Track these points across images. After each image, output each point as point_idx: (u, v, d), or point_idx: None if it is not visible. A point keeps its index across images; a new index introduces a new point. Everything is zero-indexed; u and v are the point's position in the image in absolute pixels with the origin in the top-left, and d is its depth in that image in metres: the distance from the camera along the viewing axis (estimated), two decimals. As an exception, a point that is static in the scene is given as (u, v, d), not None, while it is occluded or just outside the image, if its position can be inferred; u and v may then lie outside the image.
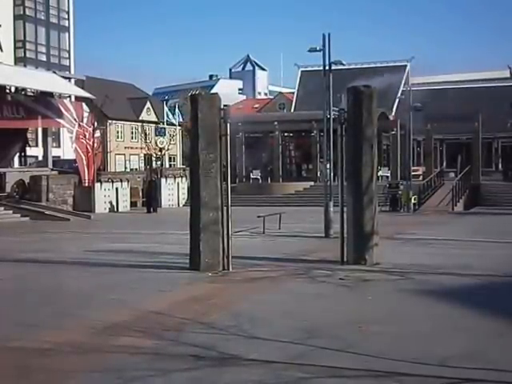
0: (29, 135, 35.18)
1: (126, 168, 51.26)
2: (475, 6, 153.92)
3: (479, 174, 35.47)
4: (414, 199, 28.17)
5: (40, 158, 36.17)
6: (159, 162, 38.71)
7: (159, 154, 38.09)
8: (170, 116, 44.14)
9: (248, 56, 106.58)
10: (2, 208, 25.34)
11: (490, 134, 40.83)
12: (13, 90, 29.58)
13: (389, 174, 36.20)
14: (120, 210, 29.38)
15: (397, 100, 42.99)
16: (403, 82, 47.57)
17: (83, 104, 31.23)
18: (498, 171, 41.90)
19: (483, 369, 5.88)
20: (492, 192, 32.63)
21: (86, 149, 29.42)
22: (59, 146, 46.26)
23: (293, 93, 55.66)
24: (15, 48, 51.51)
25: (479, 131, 36.06)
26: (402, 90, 44.13)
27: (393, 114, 43.67)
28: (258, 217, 18.61)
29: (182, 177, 33.61)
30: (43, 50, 54.10)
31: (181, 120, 44.85)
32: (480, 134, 36.26)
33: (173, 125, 44.20)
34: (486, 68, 58.35)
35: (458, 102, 42.04)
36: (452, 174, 37.00)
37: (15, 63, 47.27)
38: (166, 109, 44.55)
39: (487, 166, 41.51)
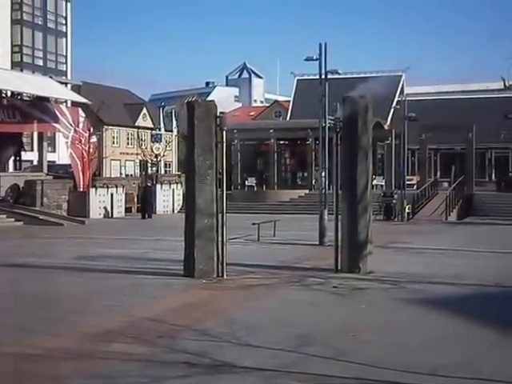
0: (24, 139, 35.15)
1: (121, 174, 51.21)
2: (469, 17, 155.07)
3: (473, 184, 35.61)
4: (408, 208, 28.26)
5: (35, 163, 36.10)
6: (155, 168, 38.70)
7: (155, 160, 38.10)
8: (166, 122, 44.20)
9: (244, 64, 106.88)
10: (-4, 212, 25.27)
11: (483, 145, 41.03)
12: (9, 94, 29.58)
13: (383, 183, 36.30)
14: (115, 215, 29.33)
15: (392, 109, 43.19)
16: (398, 92, 47.81)
17: (79, 109, 31.24)
18: (492, 181, 42.09)
19: (474, 378, 5.92)
20: (485, 202, 32.75)
21: (81, 154, 29.40)
22: (54, 151, 46.22)
23: (289, 101, 55.82)
24: (12, 52, 51.52)
25: (473, 141, 36.23)
26: (397, 100, 44.31)
27: (388, 123, 43.85)
28: (253, 224, 18.64)
29: (177, 183, 33.59)
30: (40, 54, 54.08)
31: (177, 126, 44.89)
32: (474, 145, 36.43)
33: (169, 131, 44.24)
34: (480, 79, 58.71)
35: (453, 113, 42.26)
36: (446, 184, 37.15)
37: (12, 67, 47.25)
38: (162, 115, 44.61)
39: (481, 176, 41.68)
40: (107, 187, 29.82)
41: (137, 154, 45.70)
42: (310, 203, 28.11)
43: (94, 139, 31.45)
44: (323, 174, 20.33)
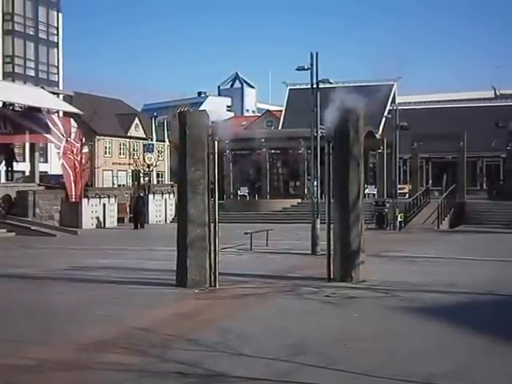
0: (16, 150, 35.02)
1: (113, 184, 51.08)
2: (462, 26, 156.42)
3: (464, 193, 35.76)
4: (401, 217, 28.33)
5: (27, 173, 35.97)
6: (147, 178, 38.67)
7: (147, 170, 38.09)
8: (158, 132, 44.22)
9: (237, 73, 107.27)
10: (-12, 223, 25.14)
11: (475, 153, 41.30)
12: (0, 104, 29.51)
13: (375, 192, 36.39)
14: (107, 225, 29.25)
15: (383, 119, 43.39)
16: (390, 101, 48.07)
17: (71, 119, 31.19)
18: (483, 190, 42.31)
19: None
20: (477, 210, 32.88)
21: (73, 164, 29.34)
22: (46, 161, 46.06)
23: (281, 110, 56.01)
24: (3, 63, 51.43)
25: (464, 150, 36.43)
26: (389, 109, 44.55)
27: (379, 132, 44.04)
28: (246, 233, 18.64)
29: (169, 193, 33.57)
30: (32, 65, 54.01)
31: (169, 136, 44.93)
32: (465, 153, 36.62)
33: (161, 141, 44.27)
34: (471, 88, 59.24)
35: (444, 122, 42.51)
36: (437, 193, 37.29)
37: (3, 78, 47.21)
38: (154, 125, 44.65)
39: (472, 184, 41.91)
40: (99, 197, 29.76)
41: (129, 164, 45.70)
42: (303, 212, 28.13)
43: (86, 149, 31.40)
44: (315, 183, 20.39)
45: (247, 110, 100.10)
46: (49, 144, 36.83)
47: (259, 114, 74.51)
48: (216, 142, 11.63)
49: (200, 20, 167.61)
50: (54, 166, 41.26)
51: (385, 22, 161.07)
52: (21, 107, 30.20)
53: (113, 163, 52.90)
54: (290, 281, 12.28)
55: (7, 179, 32.55)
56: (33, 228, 25.21)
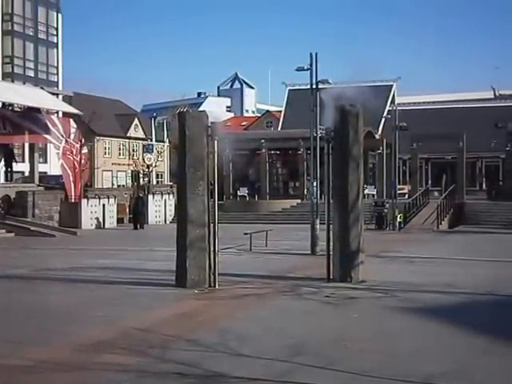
0: (15, 150, 35.00)
1: (113, 184, 51.07)
2: (461, 27, 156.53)
3: (463, 193, 35.77)
4: (400, 217, 28.33)
5: (26, 174, 35.95)
6: (146, 179, 38.63)
7: (147, 170, 38.05)
8: (158, 133, 44.18)
9: (236, 74, 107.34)
10: (-13, 224, 25.11)
11: (474, 154, 41.32)
12: (0, 105, 29.50)
13: (375, 193, 36.40)
14: (106, 226, 29.23)
15: (383, 119, 43.39)
16: (389, 102, 48.08)
17: (71, 120, 31.17)
18: (482, 190, 42.31)
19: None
20: (476, 211, 32.88)
21: (72, 165, 29.33)
22: (46, 162, 46.06)
23: (280, 111, 56.01)
24: (3, 63, 51.45)
25: (464, 151, 36.46)
26: (388, 110, 44.56)
27: (379, 132, 44.04)
28: (245, 234, 18.64)
29: (169, 193, 33.56)
30: (31, 65, 54.03)
31: (168, 137, 44.88)
32: (464, 154, 36.65)
33: (160, 141, 44.23)
34: (470, 88, 59.29)
35: (443, 122, 42.53)
36: (436, 193, 37.28)
37: (3, 78, 47.21)
38: (153, 126, 44.63)
39: (471, 185, 41.92)
40: (99, 198, 29.75)
41: (128, 165, 45.61)
42: (302, 213, 28.14)
43: (85, 150, 31.39)
44: (315, 183, 20.38)
45: (247, 111, 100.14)
46: (48, 144, 36.81)
47: (259, 115, 74.52)
48: (216, 142, 11.63)
49: (199, 21, 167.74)
50: (53, 166, 41.25)
51: (383, 23, 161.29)
52: (20, 107, 30.18)
53: (112, 164, 52.88)
54: (290, 281, 12.28)
55: (6, 180, 32.52)
56: (32, 228, 25.19)
